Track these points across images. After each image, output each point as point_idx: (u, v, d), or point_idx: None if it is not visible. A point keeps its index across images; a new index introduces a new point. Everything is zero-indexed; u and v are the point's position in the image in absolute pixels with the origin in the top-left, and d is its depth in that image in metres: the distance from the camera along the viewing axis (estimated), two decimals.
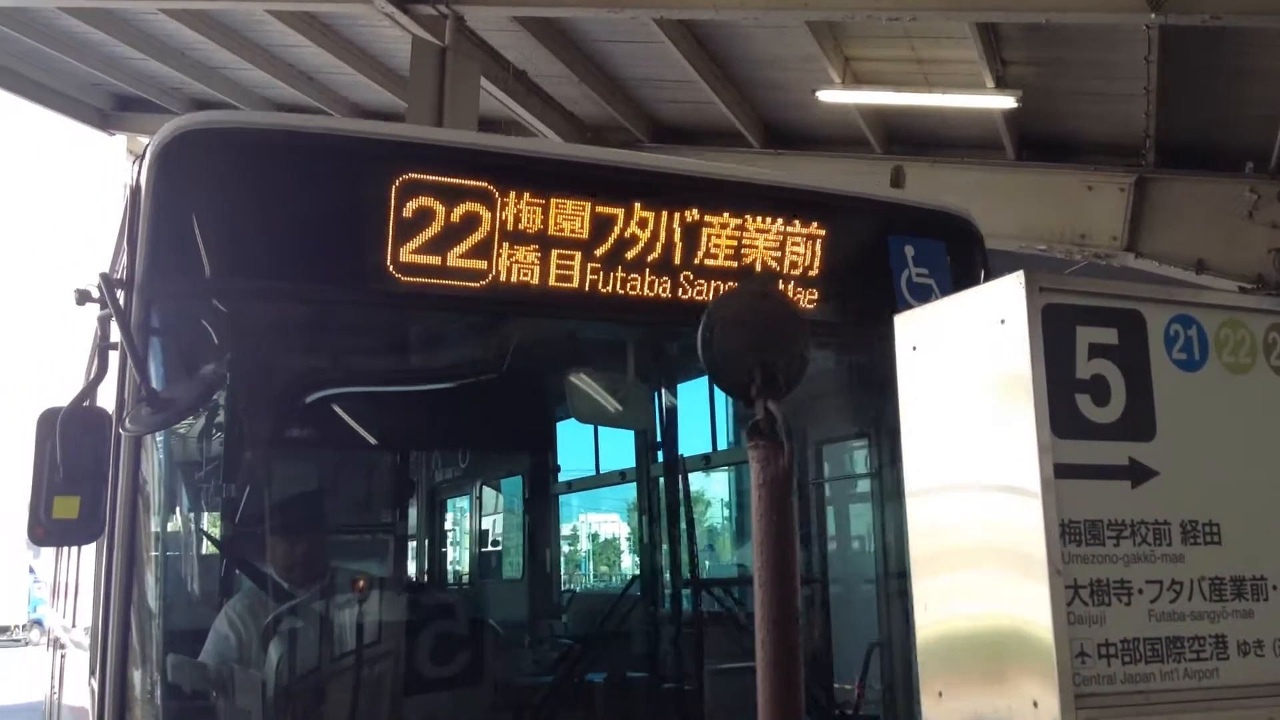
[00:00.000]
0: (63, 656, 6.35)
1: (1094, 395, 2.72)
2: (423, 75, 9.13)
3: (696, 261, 3.73)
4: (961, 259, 4.28)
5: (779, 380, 2.74)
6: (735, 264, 3.77)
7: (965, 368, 2.77)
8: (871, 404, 4.44)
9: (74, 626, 5.58)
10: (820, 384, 4.27)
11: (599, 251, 3.61)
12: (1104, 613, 2.65)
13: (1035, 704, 2.59)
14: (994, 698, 2.73)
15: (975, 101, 9.73)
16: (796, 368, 2.76)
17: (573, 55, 10.85)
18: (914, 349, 2.93)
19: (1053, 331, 2.65)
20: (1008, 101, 9.46)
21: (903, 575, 4.28)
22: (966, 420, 2.76)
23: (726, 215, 3.77)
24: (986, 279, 4.29)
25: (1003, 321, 2.66)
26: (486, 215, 3.41)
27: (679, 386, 4.38)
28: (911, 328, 2.93)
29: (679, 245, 3.70)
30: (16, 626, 39.43)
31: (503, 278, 3.45)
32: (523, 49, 10.60)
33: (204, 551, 3.69)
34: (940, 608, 2.89)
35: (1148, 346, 2.80)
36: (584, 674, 3.89)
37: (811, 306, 3.85)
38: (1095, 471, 2.68)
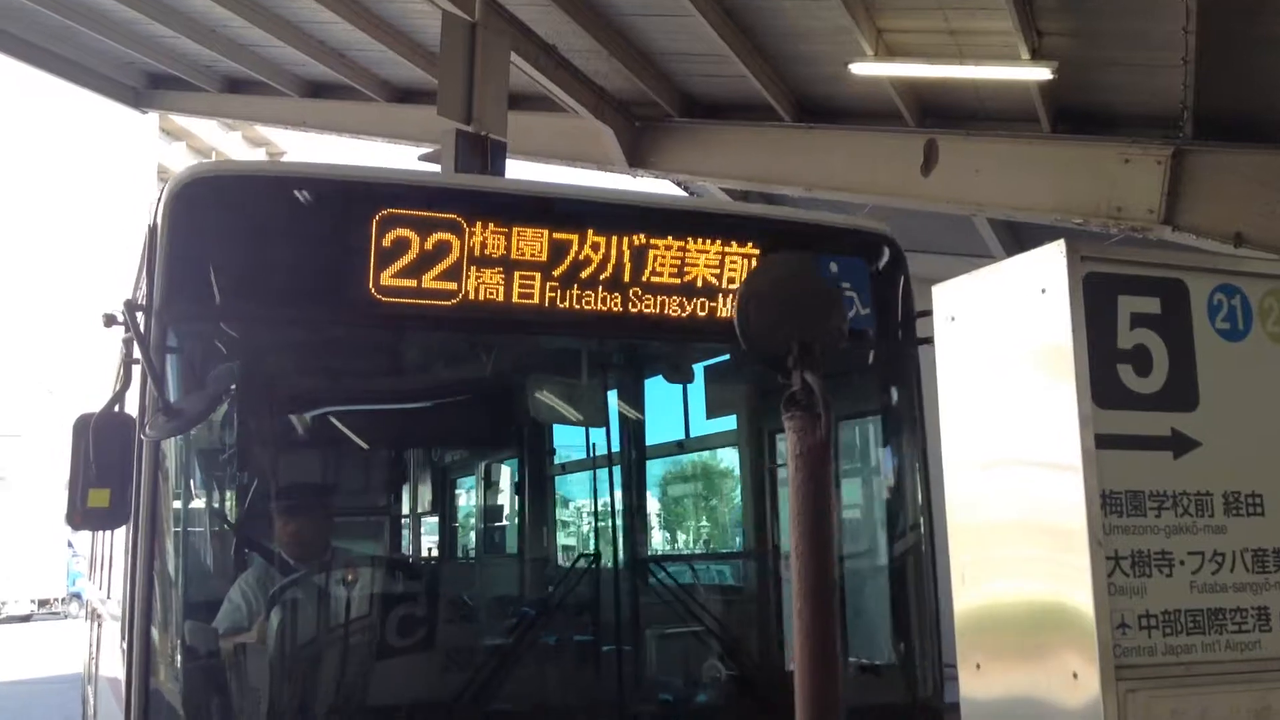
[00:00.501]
0: (99, 627, 7.11)
1: (1136, 365, 2.69)
2: (452, 51, 9.10)
3: (644, 279, 4.21)
4: (881, 272, 4.63)
5: (816, 352, 2.72)
6: (678, 280, 4.25)
7: (1005, 338, 2.75)
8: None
9: (109, 598, 6.18)
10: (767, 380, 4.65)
11: (556, 272, 4.09)
12: (1145, 584, 2.64)
13: (1075, 675, 2.58)
14: (1032, 670, 2.72)
15: (1010, 73, 9.60)
16: (833, 340, 2.74)
17: (602, 29, 10.79)
18: (952, 319, 2.91)
19: (1094, 301, 2.63)
20: (1043, 73, 9.32)
21: (853, 556, 4.80)
22: (1006, 391, 2.74)
23: (670, 238, 4.24)
24: (906, 291, 4.77)
25: (1044, 291, 2.64)
26: (456, 243, 3.91)
27: (628, 388, 4.98)
28: (950, 298, 2.91)
29: (628, 266, 4.18)
30: (56, 600, 40.02)
31: (471, 297, 3.94)
32: (552, 23, 10.56)
33: (216, 534, 4.21)
34: (978, 580, 2.87)
35: (1190, 316, 2.77)
36: (541, 639, 4.36)
37: None
38: (1137, 442, 2.66)
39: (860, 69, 9.88)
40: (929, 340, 4.38)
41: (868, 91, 10.86)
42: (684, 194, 15.24)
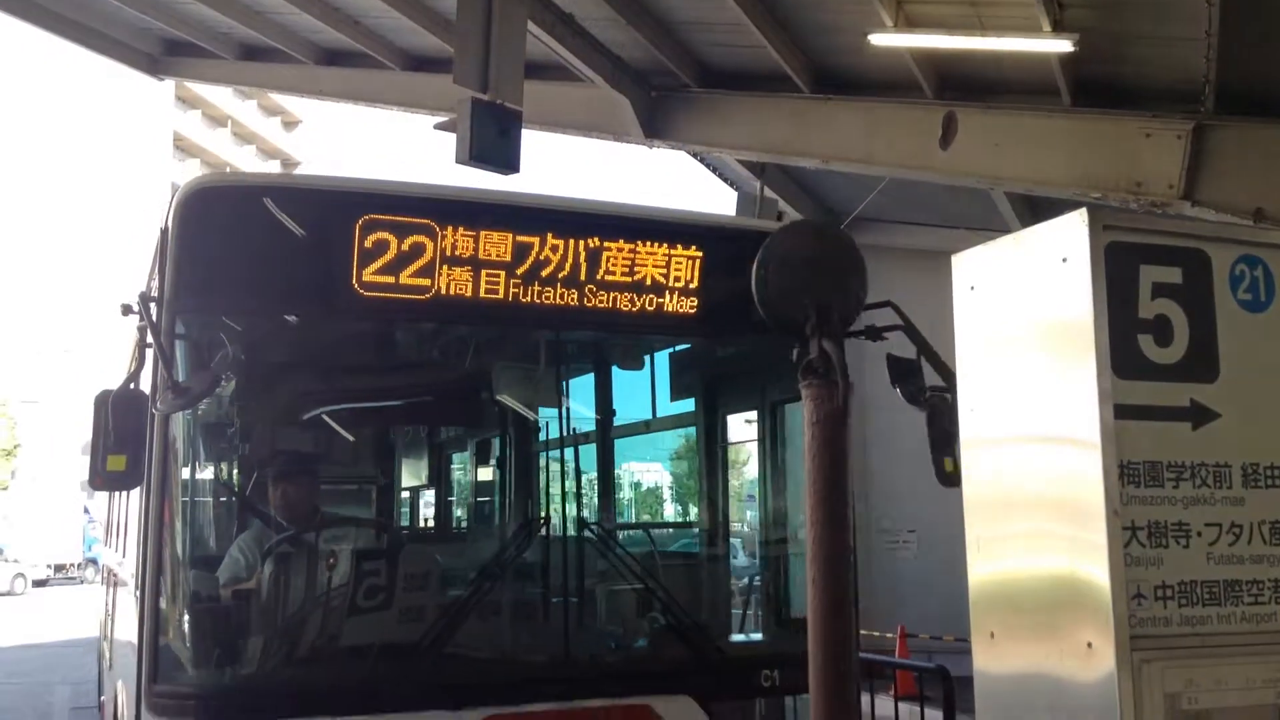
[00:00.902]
0: (115, 587, 7.75)
1: (1156, 335, 2.68)
2: (469, 18, 9.05)
3: (598, 277, 4.72)
4: None
5: (834, 319, 2.71)
6: (629, 279, 4.76)
7: (1025, 307, 2.73)
8: (740, 380, 5.73)
9: (125, 559, 6.76)
10: (712, 366, 5.67)
11: (519, 271, 4.60)
12: (1161, 555, 2.63)
13: (1089, 645, 2.58)
14: (1046, 640, 2.72)
15: (1031, 45, 9.51)
16: (853, 306, 2.73)
17: None
18: (972, 289, 2.90)
19: (1116, 270, 2.61)
20: (1064, 45, 9.22)
21: (772, 528, 5.45)
22: (1024, 361, 2.73)
23: (621, 241, 4.74)
24: None
25: (1065, 260, 2.62)
26: (430, 245, 4.43)
27: (582, 373, 5.59)
28: (970, 267, 2.89)
29: (583, 265, 4.69)
30: (72, 565, 40.38)
31: (443, 291, 4.46)
32: None
33: (218, 496, 4.92)
34: (994, 549, 2.87)
35: (1212, 286, 2.75)
36: (496, 590, 4.90)
37: (691, 310, 4.87)
38: (1156, 413, 2.65)
39: (880, 40, 9.80)
40: (860, 334, 4.80)
41: (887, 63, 10.78)
42: (700, 166, 15.21)
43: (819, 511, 2.70)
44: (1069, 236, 2.62)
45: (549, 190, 5.25)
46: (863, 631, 5.31)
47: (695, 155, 14.49)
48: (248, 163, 74.84)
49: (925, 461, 4.81)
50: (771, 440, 5.49)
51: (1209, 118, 10.02)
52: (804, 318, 2.72)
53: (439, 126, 12.29)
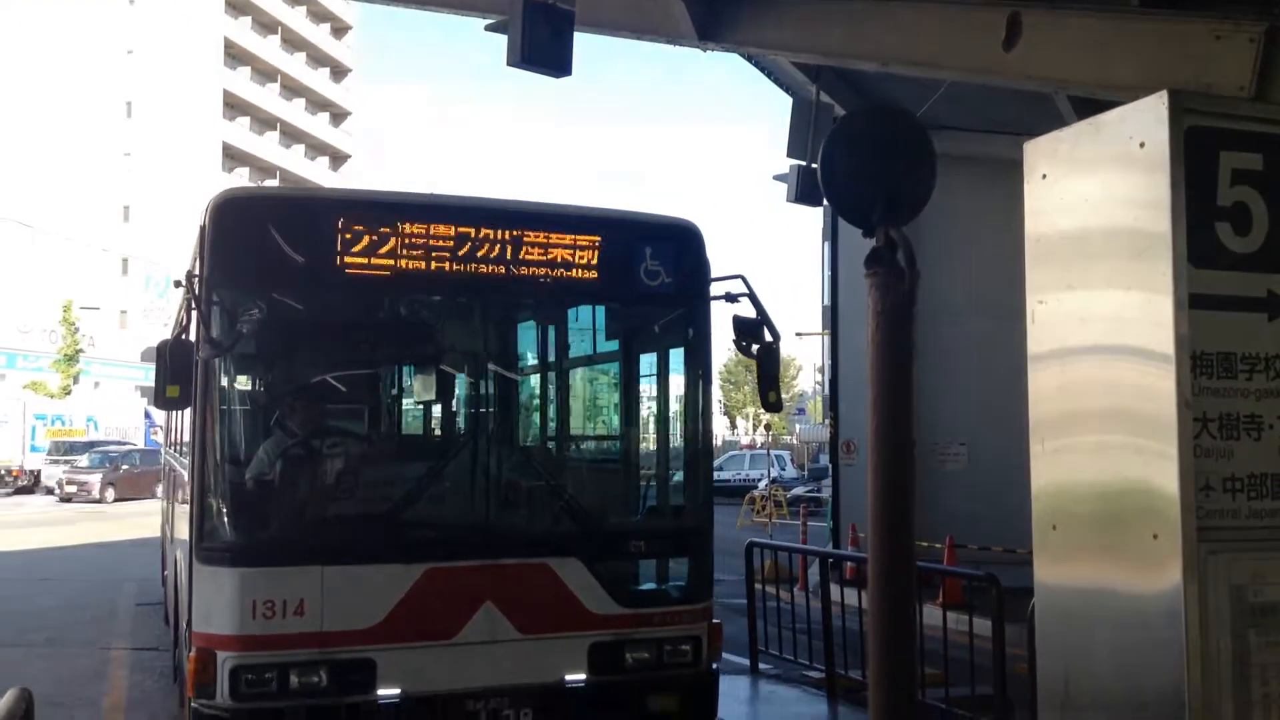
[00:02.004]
0: (174, 478, 9.65)
1: (1235, 224, 2.61)
2: None
3: (519, 257, 6.31)
4: (683, 252, 6.68)
5: (903, 206, 2.66)
6: (543, 257, 6.36)
7: (1098, 194, 2.66)
8: (631, 331, 7.30)
9: (181, 457, 8.52)
10: (610, 321, 7.26)
11: (460, 253, 6.21)
12: (1232, 447, 2.59)
13: (1155, 536, 2.56)
14: (1110, 531, 2.70)
15: None
16: (922, 194, 2.67)
17: None
18: (1044, 177, 2.82)
19: (1195, 156, 2.53)
20: None
21: (662, 439, 7.14)
22: (1097, 248, 2.67)
23: (538, 229, 6.36)
24: (704, 263, 6.69)
25: (1142, 145, 2.55)
26: (393, 234, 6.03)
27: (506, 329, 7.11)
28: (1042, 153, 2.82)
29: (508, 248, 6.28)
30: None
31: (402, 267, 6.06)
32: None
33: (248, 414, 6.50)
34: (1059, 454, 2.83)
35: None
36: (446, 480, 6.59)
37: (592, 280, 6.43)
38: (1232, 303, 2.59)
39: None
40: (720, 297, 6.57)
41: None
42: (753, 68, 14.94)
43: (882, 401, 2.68)
44: (1148, 121, 2.54)
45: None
46: None
47: (749, 58, 14.21)
48: (297, 69, 74.62)
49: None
50: (656, 376, 7.11)
51: None
52: (870, 205, 2.67)
53: (490, 28, 12.12)
